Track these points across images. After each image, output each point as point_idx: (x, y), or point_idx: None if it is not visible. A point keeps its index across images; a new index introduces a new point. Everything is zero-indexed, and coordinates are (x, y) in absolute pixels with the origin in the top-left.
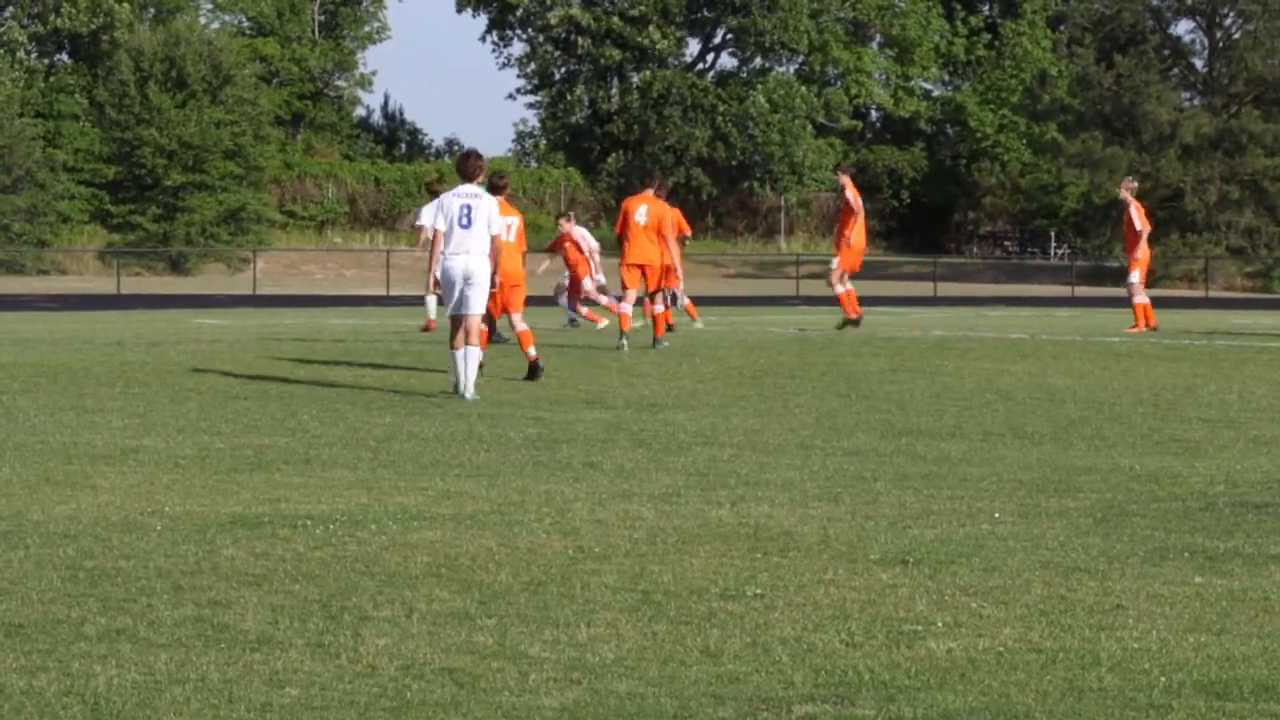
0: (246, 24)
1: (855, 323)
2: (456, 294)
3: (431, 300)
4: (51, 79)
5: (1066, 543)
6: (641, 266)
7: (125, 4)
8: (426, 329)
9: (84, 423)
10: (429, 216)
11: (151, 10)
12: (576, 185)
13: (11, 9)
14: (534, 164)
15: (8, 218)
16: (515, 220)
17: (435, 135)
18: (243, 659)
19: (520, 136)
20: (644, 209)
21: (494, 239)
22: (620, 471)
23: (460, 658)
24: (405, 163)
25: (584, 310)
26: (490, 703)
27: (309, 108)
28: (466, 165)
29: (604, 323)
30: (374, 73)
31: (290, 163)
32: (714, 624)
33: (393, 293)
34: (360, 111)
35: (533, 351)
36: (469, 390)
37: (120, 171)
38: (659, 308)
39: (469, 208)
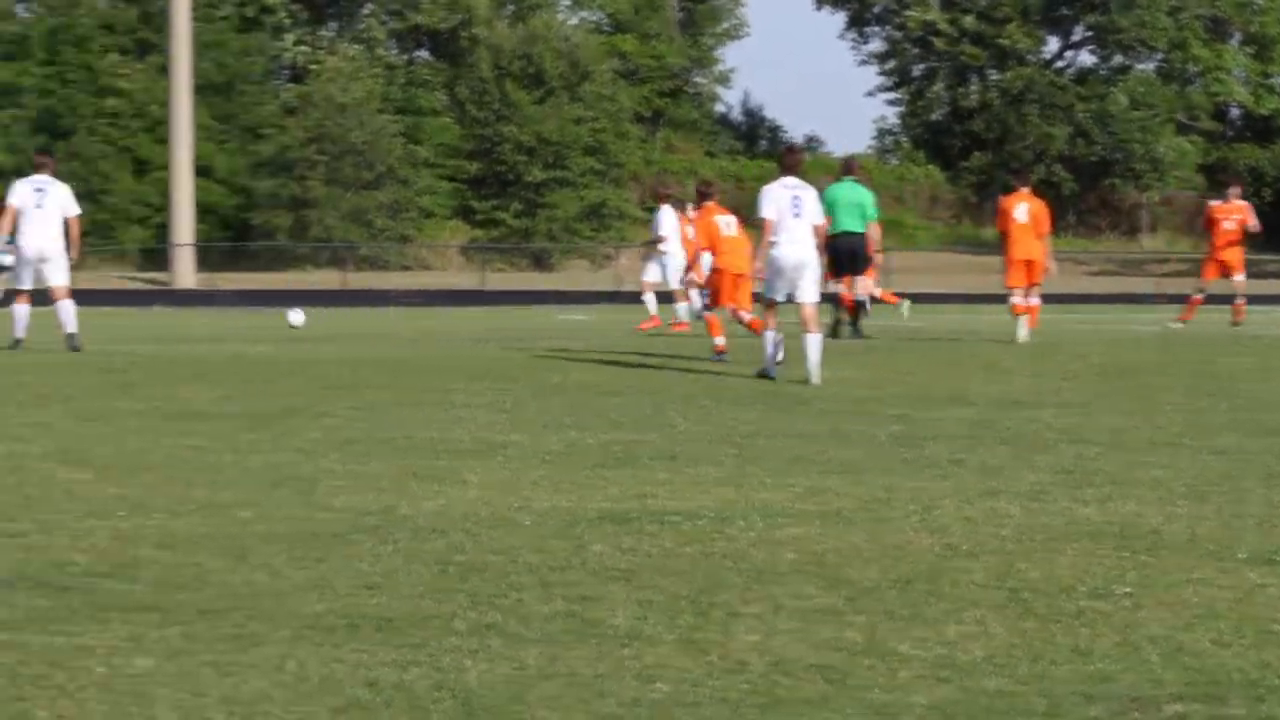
0: (605, 21)
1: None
2: (786, 282)
3: (651, 298)
4: (411, 75)
5: None
6: (1027, 262)
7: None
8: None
9: (450, 418)
10: (772, 210)
11: (510, 7)
12: (937, 182)
13: (371, 6)
14: (894, 161)
15: (370, 213)
16: (733, 218)
17: (795, 132)
18: (612, 654)
19: (880, 133)
20: (1023, 207)
21: (817, 228)
22: (986, 469)
23: (829, 654)
24: (765, 159)
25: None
26: (860, 699)
27: (669, 105)
28: (790, 158)
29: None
30: (733, 69)
31: (650, 159)
32: (1082, 622)
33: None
34: (720, 108)
35: (721, 340)
36: (814, 377)
37: (482, 168)
38: (1034, 300)
39: (798, 198)
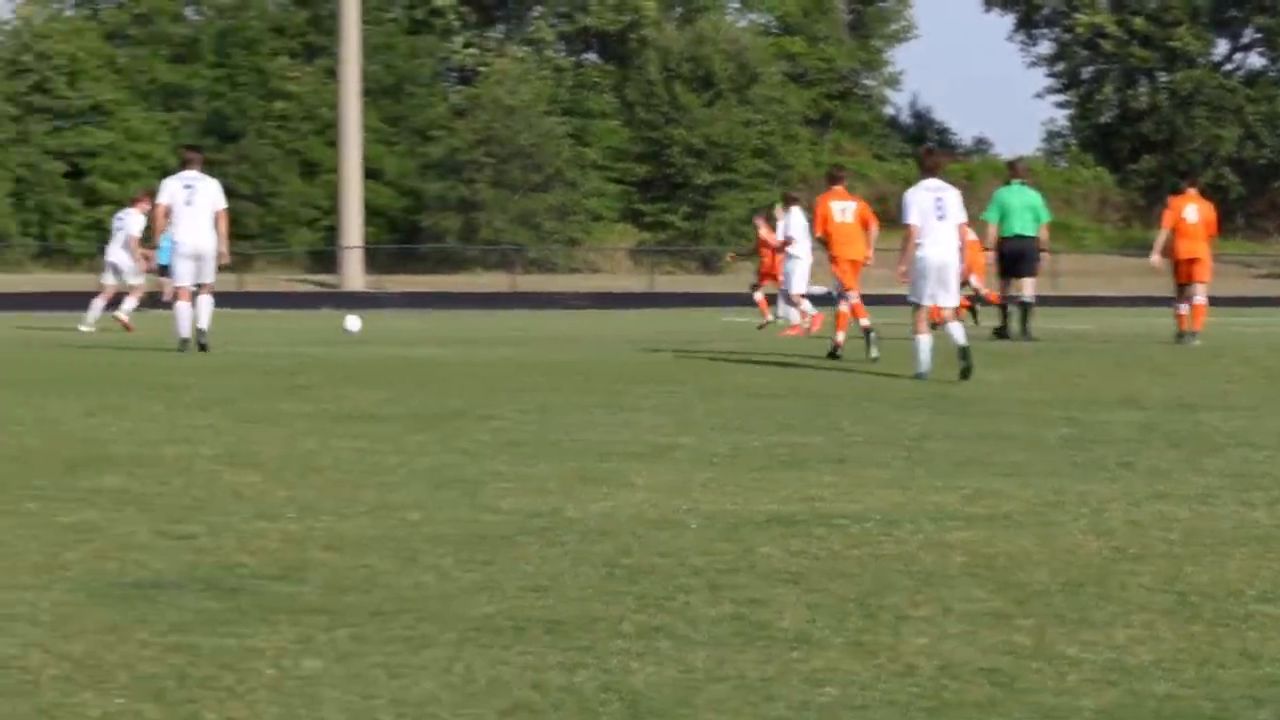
0: (773, 23)
1: None
2: (931, 284)
3: (802, 305)
4: (580, 77)
5: None
6: (1190, 261)
7: (653, 2)
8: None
9: (618, 421)
10: (915, 214)
11: (679, 9)
12: (1106, 185)
13: (540, 8)
14: (1063, 164)
15: (539, 216)
16: (852, 204)
17: (963, 134)
18: (780, 657)
19: (1049, 136)
20: (1192, 208)
21: (960, 228)
22: (1155, 472)
23: (998, 658)
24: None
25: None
26: (1028, 703)
27: (837, 107)
28: (930, 160)
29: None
30: (902, 71)
31: (819, 161)
32: (1251, 626)
33: None
34: (889, 110)
35: (866, 321)
36: (961, 339)
37: (650, 170)
38: (1200, 300)
39: (940, 200)
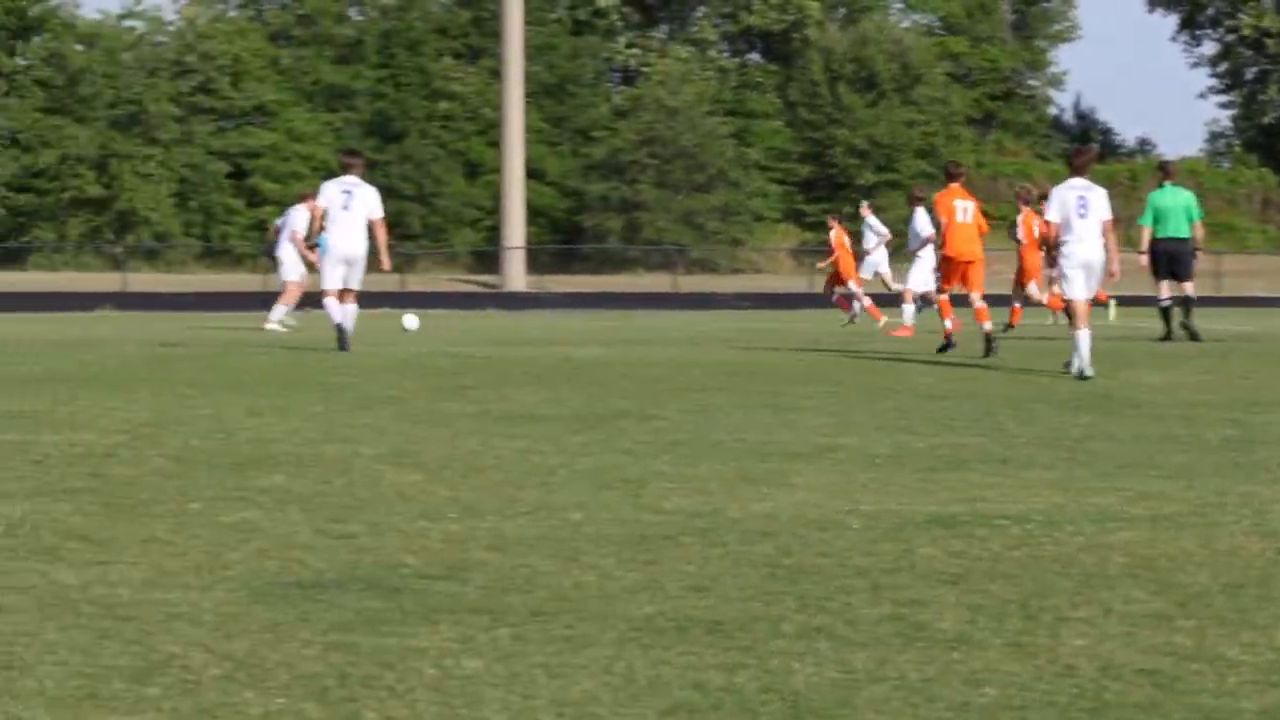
0: (936, 23)
1: None
2: (1082, 280)
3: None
4: (743, 77)
5: None
6: None
7: (816, 2)
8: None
9: (780, 421)
10: (1055, 212)
11: (842, 10)
12: (1270, 186)
13: (704, 8)
14: (1226, 164)
15: (702, 216)
16: (971, 204)
17: (1127, 135)
18: (940, 658)
19: (1212, 136)
20: None
21: (1105, 225)
22: None
23: (1158, 659)
24: (1097, 162)
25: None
26: (1188, 705)
27: (1000, 107)
28: (1078, 159)
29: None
30: (1065, 72)
31: (983, 162)
32: None
33: None
34: (1052, 111)
35: (988, 325)
36: (1088, 368)
37: (813, 170)
38: None
39: (1083, 199)
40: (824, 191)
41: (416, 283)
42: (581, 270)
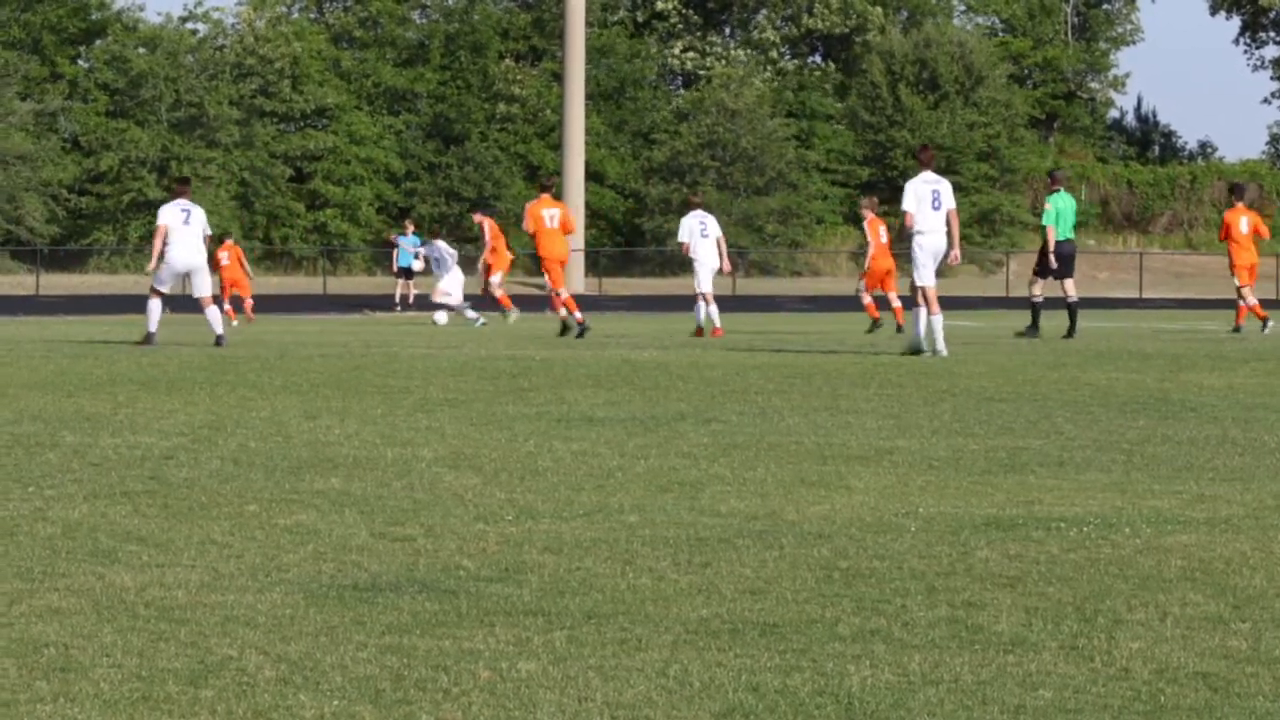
0: (998, 25)
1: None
2: (931, 267)
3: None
4: (803, 80)
5: None
6: None
7: (878, 6)
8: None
9: (838, 423)
10: (910, 203)
11: (904, 12)
12: None
13: (765, 11)
14: None
15: (761, 219)
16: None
17: (1188, 138)
18: (996, 661)
19: (1274, 139)
20: None
21: (950, 214)
22: None
23: (1214, 662)
24: (1158, 165)
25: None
26: (1244, 708)
27: (1062, 109)
28: (925, 155)
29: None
30: (1127, 75)
31: (1045, 168)
32: None
33: (1146, 295)
34: (1113, 113)
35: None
36: (940, 347)
37: (874, 173)
38: None
39: (936, 192)
40: (885, 194)
41: (476, 285)
42: (640, 273)
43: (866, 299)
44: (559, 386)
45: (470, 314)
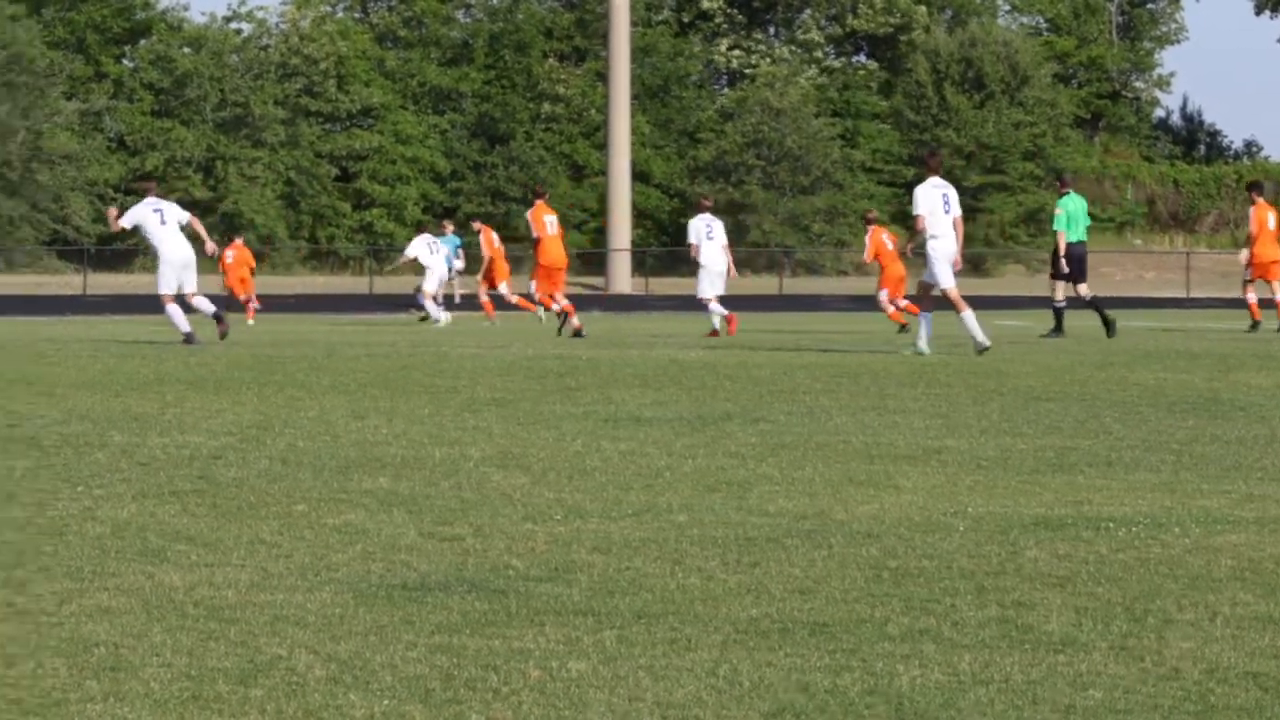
0: (1043, 24)
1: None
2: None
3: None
4: (848, 79)
5: None
6: None
7: (922, 5)
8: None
9: (886, 423)
10: (923, 207)
11: (948, 12)
12: None
13: (809, 10)
14: None
15: (806, 218)
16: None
17: (1234, 137)
18: (1046, 660)
19: None
20: None
21: (957, 219)
22: None
23: (1264, 662)
24: (1204, 164)
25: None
26: None
27: (1107, 108)
28: (935, 160)
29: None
30: (1172, 74)
31: (1091, 167)
32: None
33: (1193, 294)
34: (1159, 113)
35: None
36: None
37: (920, 172)
38: None
39: (946, 196)
40: None
41: (522, 285)
42: (687, 273)
43: (890, 308)
44: (606, 386)
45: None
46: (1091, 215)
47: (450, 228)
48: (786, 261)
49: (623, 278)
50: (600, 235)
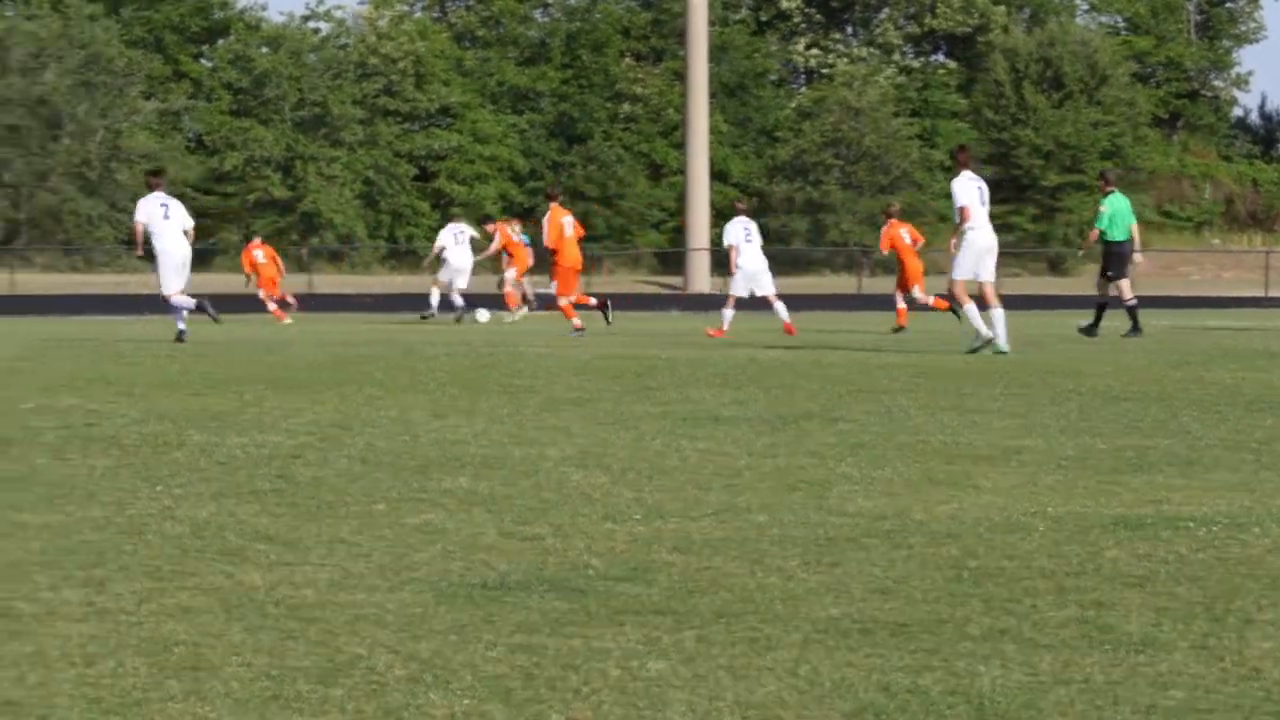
0: (1121, 23)
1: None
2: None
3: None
4: (927, 78)
5: None
6: None
7: (1000, 5)
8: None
9: (964, 423)
10: (965, 198)
11: (1026, 11)
12: None
13: (887, 10)
14: None
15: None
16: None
17: None
18: (1126, 661)
19: None
20: None
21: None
22: None
23: None
24: None
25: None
26: None
27: (1185, 107)
28: (966, 155)
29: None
30: (1250, 73)
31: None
32: None
33: (1271, 294)
34: (1237, 112)
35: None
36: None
37: (998, 171)
38: None
39: (982, 189)
40: (1009, 193)
41: (601, 284)
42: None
43: (902, 304)
44: (684, 385)
45: (433, 307)
46: (1169, 214)
47: (518, 226)
48: (865, 261)
49: (701, 277)
50: (679, 234)
